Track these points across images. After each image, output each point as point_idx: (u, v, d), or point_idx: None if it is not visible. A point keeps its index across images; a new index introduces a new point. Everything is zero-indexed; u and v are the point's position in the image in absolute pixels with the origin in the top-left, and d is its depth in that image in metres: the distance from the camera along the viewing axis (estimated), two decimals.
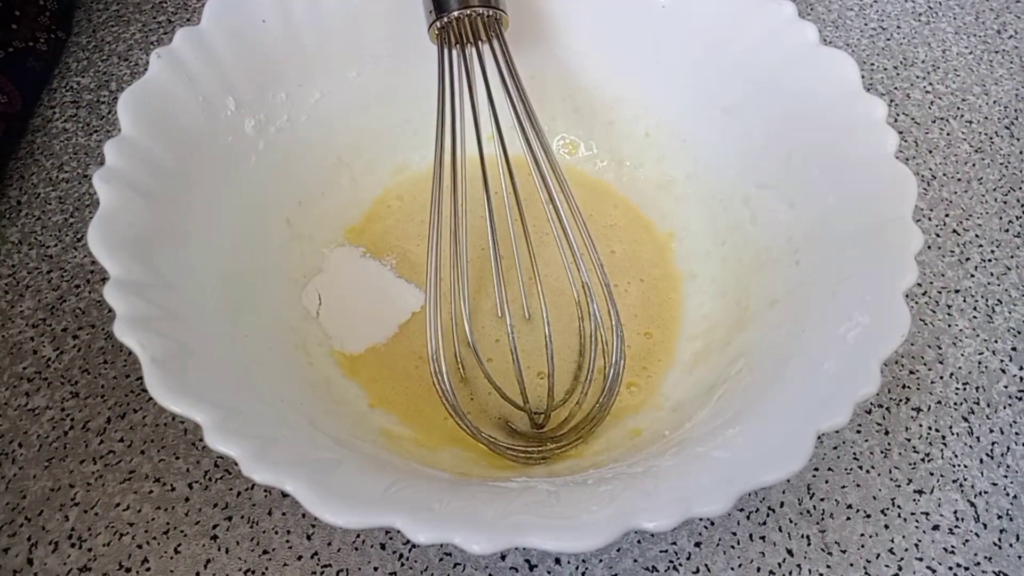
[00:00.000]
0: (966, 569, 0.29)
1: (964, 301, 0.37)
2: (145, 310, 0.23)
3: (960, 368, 0.34)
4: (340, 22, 0.34)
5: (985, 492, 0.31)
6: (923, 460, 0.32)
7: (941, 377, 0.34)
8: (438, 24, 0.32)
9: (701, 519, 0.30)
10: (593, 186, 0.39)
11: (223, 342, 0.27)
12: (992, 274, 0.38)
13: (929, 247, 0.38)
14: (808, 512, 0.30)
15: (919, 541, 0.30)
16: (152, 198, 0.26)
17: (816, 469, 0.31)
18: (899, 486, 0.31)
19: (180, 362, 0.23)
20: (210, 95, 0.30)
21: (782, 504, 0.31)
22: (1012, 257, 0.38)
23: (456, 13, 0.32)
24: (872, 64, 0.47)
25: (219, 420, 0.21)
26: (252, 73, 0.32)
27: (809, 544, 0.30)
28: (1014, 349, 0.35)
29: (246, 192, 0.31)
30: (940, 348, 0.35)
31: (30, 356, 0.34)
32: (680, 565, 0.29)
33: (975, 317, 0.36)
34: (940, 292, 0.37)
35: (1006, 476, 0.32)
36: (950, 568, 0.29)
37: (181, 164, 0.28)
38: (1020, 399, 0.34)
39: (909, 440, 0.32)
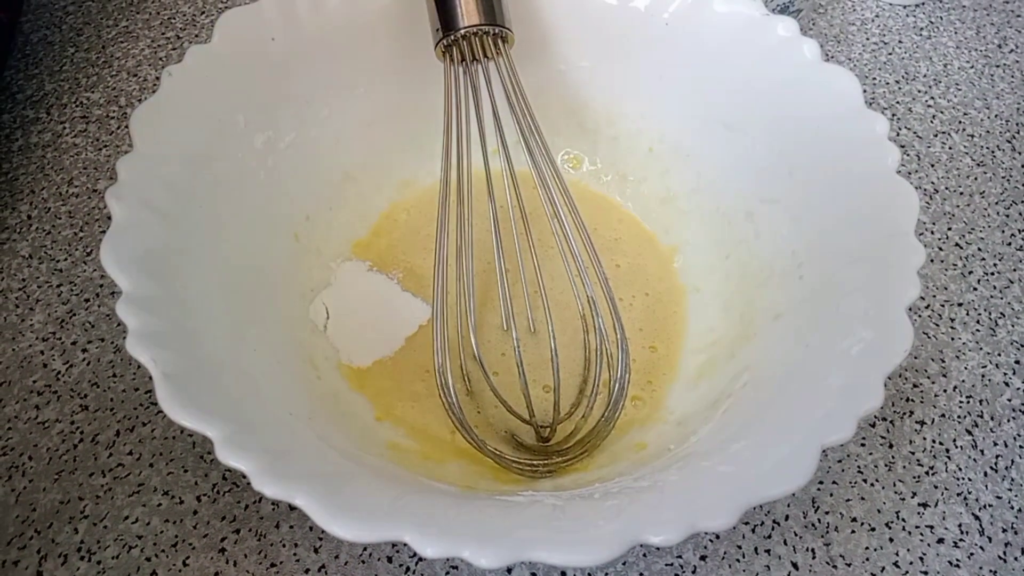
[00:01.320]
0: None
1: (967, 314, 0.37)
2: (156, 325, 0.24)
3: (964, 381, 0.35)
4: (348, 40, 0.34)
5: (990, 505, 0.31)
6: (927, 473, 0.32)
7: (945, 390, 0.34)
8: (445, 42, 0.32)
9: (706, 533, 0.30)
10: (597, 200, 0.39)
11: (232, 356, 0.27)
12: (995, 287, 0.38)
13: (932, 261, 0.39)
14: (813, 525, 0.30)
15: (924, 554, 0.30)
16: (163, 214, 0.27)
17: (821, 482, 0.32)
18: (903, 499, 0.31)
19: (190, 377, 0.23)
20: (220, 112, 0.30)
21: (787, 517, 0.31)
22: (1015, 270, 0.38)
23: (463, 31, 0.32)
24: (874, 78, 0.47)
25: (229, 434, 0.21)
26: (261, 90, 0.32)
27: (814, 557, 0.30)
28: (1017, 362, 0.35)
29: (255, 207, 0.32)
30: (944, 361, 0.35)
31: (40, 369, 0.34)
32: None
33: (978, 330, 0.36)
34: (943, 305, 0.37)
35: (1011, 489, 0.32)
36: None
37: (192, 180, 0.29)
38: None
39: (913, 453, 0.33)
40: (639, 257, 0.37)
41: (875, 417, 0.33)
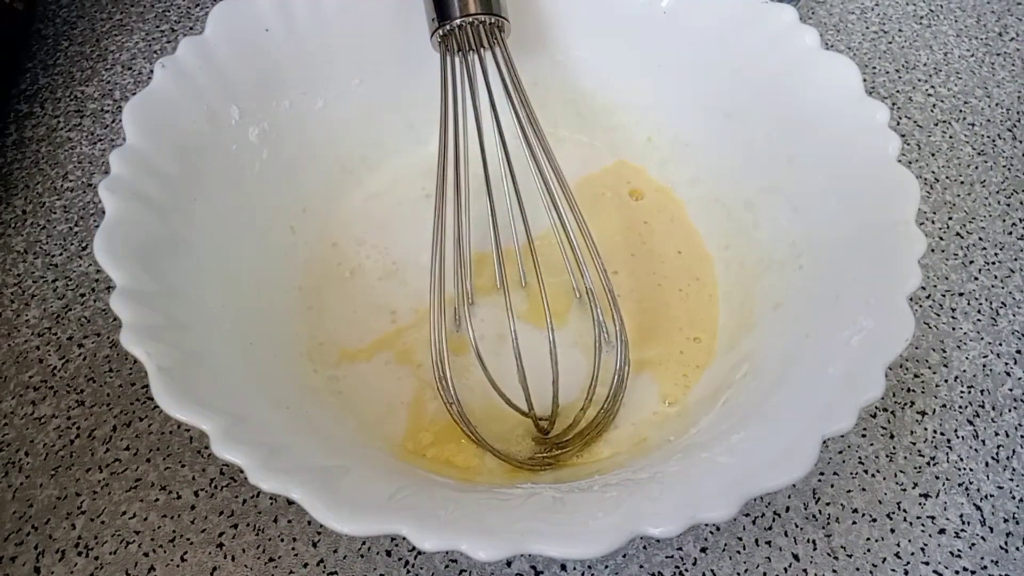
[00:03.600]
0: (972, 573, 0.29)
1: (968, 304, 0.37)
2: (151, 319, 0.23)
3: (965, 371, 0.34)
4: (343, 30, 0.34)
5: (991, 495, 0.31)
6: (929, 464, 0.32)
7: (946, 380, 0.34)
8: (440, 32, 0.32)
9: (707, 525, 0.30)
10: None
11: (228, 350, 0.27)
12: (996, 277, 0.38)
13: (932, 250, 0.38)
14: (814, 517, 0.30)
15: (925, 545, 0.30)
16: (157, 207, 0.27)
17: (822, 474, 0.31)
18: (905, 490, 0.31)
19: (186, 370, 0.23)
20: (214, 104, 0.30)
21: (788, 509, 0.30)
22: (1016, 260, 0.38)
23: (458, 20, 0.32)
24: (874, 67, 0.47)
25: (225, 428, 0.21)
26: (256, 82, 0.32)
27: (815, 549, 0.30)
28: (1019, 352, 0.35)
29: (250, 200, 0.32)
30: (944, 351, 0.35)
31: (36, 365, 0.34)
32: (686, 571, 0.29)
33: (979, 320, 0.36)
34: (944, 295, 0.37)
35: (1012, 479, 0.32)
36: (956, 572, 0.29)
37: (186, 173, 0.28)
38: None
39: (914, 444, 0.32)
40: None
41: (876, 407, 0.33)
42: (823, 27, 0.49)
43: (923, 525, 0.30)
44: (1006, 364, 0.35)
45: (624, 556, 0.29)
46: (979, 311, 0.36)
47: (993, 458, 0.32)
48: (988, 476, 0.32)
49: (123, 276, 0.24)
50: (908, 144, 0.43)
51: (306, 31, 0.33)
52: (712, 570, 0.29)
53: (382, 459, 0.27)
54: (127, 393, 0.33)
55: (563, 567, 0.29)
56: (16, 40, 0.44)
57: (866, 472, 0.31)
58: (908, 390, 0.34)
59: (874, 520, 0.30)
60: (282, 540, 0.29)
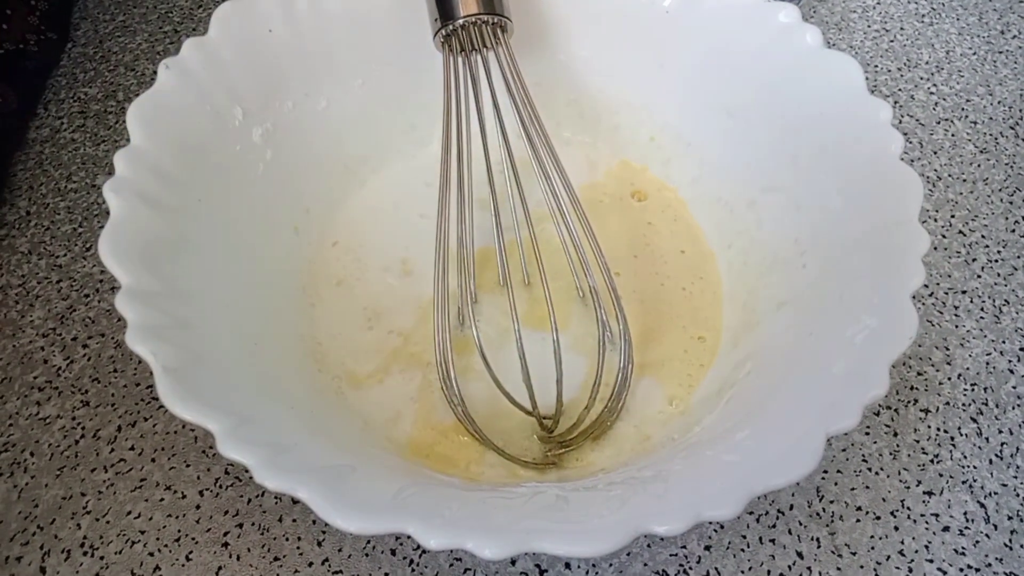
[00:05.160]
0: (977, 571, 0.29)
1: (971, 302, 0.37)
2: (156, 319, 0.23)
3: (968, 369, 0.34)
4: (346, 31, 0.34)
5: (995, 493, 0.31)
6: (932, 461, 0.32)
7: (949, 378, 0.34)
8: (443, 32, 0.32)
9: (711, 523, 0.30)
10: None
11: (233, 350, 0.27)
12: (999, 274, 0.38)
13: (935, 248, 0.38)
14: (818, 514, 0.30)
15: (929, 543, 0.30)
16: (161, 208, 0.27)
17: (825, 471, 0.31)
18: (908, 488, 0.31)
19: (191, 370, 0.23)
20: (218, 105, 0.30)
21: (792, 507, 0.31)
22: (1019, 257, 0.38)
23: (461, 20, 0.32)
24: (876, 66, 0.47)
25: (231, 428, 0.21)
26: (259, 82, 0.32)
27: (819, 547, 0.30)
28: (1022, 349, 0.35)
29: (254, 200, 0.32)
30: (948, 349, 0.35)
31: (40, 365, 0.34)
32: (690, 569, 0.29)
33: (982, 318, 0.36)
34: (947, 293, 0.37)
35: (1016, 477, 0.32)
36: (961, 570, 0.29)
37: (190, 174, 0.28)
38: None
39: (918, 441, 0.32)
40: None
41: (879, 405, 0.33)
42: (825, 26, 0.49)
43: (927, 523, 0.30)
44: (1009, 361, 0.35)
45: (628, 554, 0.29)
46: (982, 309, 0.36)
47: (997, 455, 0.32)
48: (992, 473, 0.32)
49: (128, 276, 0.24)
50: (911, 142, 0.43)
51: (309, 32, 0.33)
52: (716, 568, 0.29)
53: (387, 458, 0.27)
54: (132, 393, 0.33)
55: (568, 565, 0.29)
56: (40, 73, 0.45)
57: (870, 470, 0.32)
58: (911, 388, 0.34)
59: (878, 518, 0.30)
60: (287, 539, 0.29)
